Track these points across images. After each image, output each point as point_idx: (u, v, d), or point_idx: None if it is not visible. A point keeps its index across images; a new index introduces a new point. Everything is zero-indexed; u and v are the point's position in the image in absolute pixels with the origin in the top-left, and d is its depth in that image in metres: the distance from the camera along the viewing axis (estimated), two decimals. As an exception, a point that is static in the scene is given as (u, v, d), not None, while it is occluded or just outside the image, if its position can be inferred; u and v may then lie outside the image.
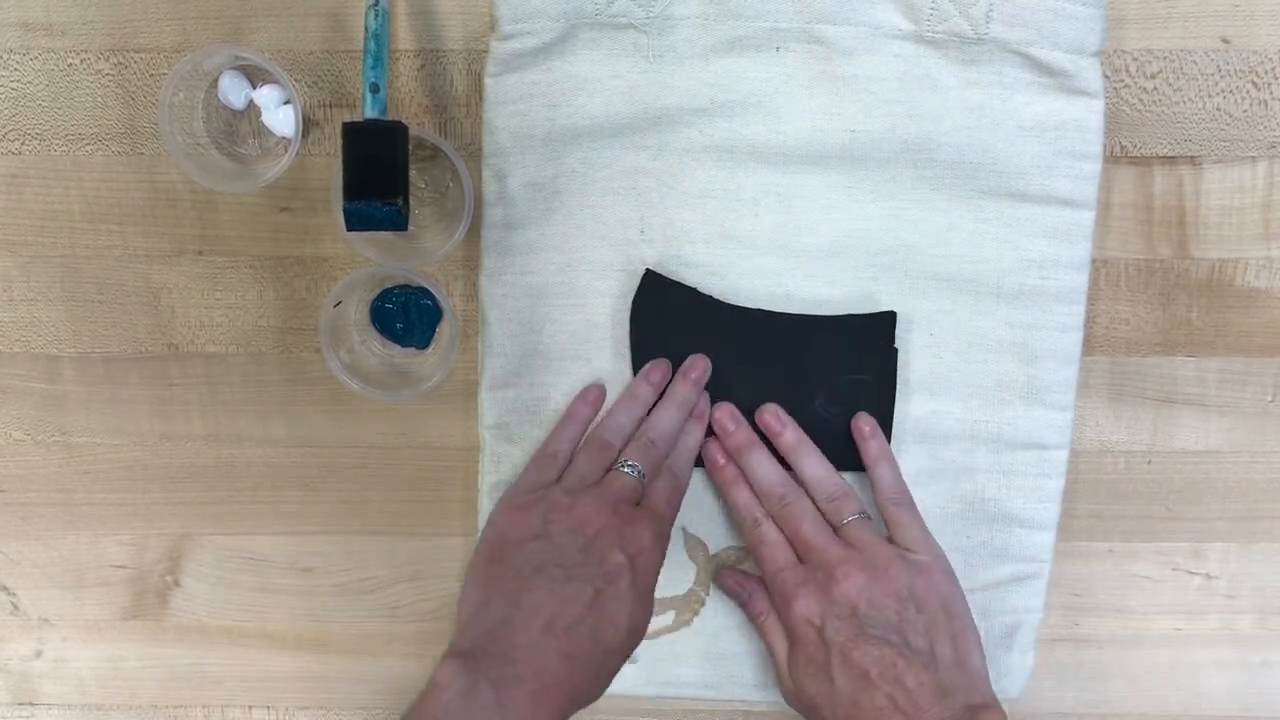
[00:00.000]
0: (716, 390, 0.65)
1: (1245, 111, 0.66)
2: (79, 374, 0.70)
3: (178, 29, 0.66)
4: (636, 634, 0.59)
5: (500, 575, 0.58)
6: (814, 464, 0.64)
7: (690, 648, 0.68)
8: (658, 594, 0.61)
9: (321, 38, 0.66)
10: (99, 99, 0.67)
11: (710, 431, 0.65)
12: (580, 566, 0.58)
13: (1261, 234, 0.67)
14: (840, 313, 0.65)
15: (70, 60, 0.66)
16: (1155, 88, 0.66)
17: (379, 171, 0.59)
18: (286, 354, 0.69)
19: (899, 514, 0.63)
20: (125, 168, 0.67)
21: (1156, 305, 0.68)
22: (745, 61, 0.63)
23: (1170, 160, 0.66)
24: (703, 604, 0.68)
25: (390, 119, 0.60)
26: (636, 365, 0.65)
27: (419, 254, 0.67)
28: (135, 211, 0.68)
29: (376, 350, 0.69)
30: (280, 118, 0.65)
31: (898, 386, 0.65)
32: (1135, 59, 0.65)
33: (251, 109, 0.66)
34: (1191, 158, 0.66)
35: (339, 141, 0.59)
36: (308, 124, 0.67)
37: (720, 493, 0.66)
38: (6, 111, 0.67)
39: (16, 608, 0.72)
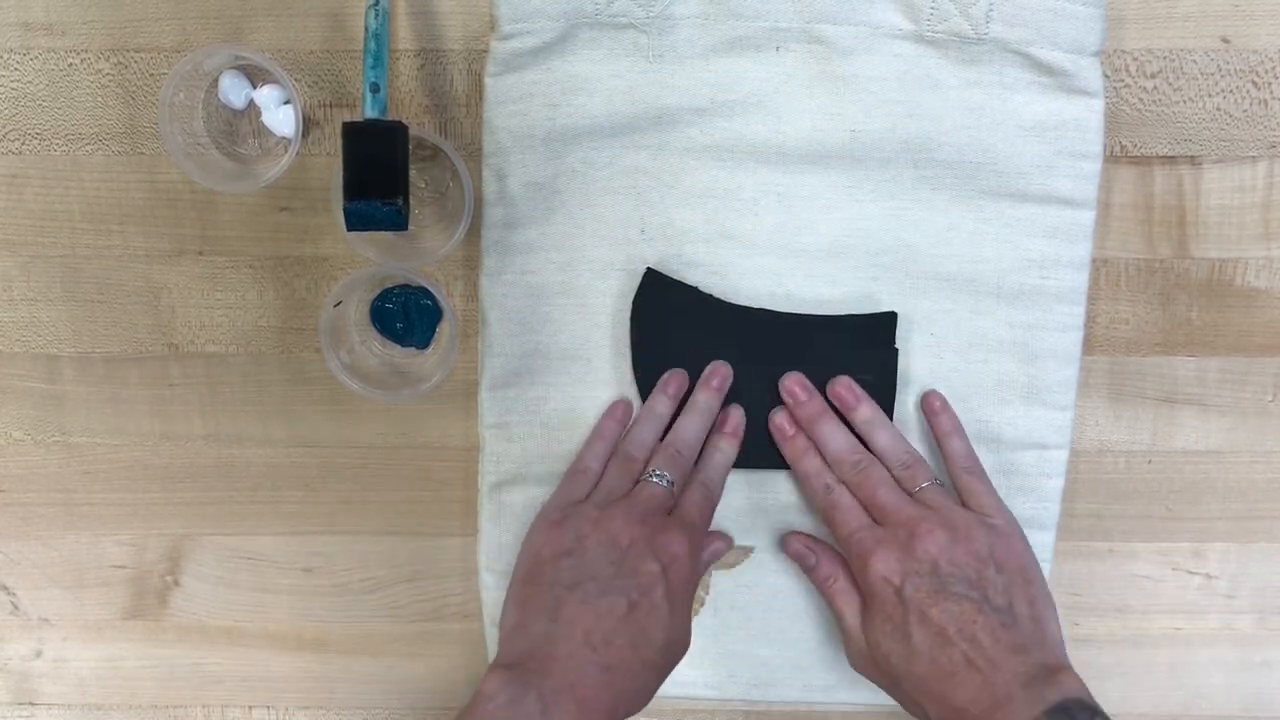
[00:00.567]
0: (717, 390, 0.65)
1: (1245, 111, 0.66)
2: (79, 374, 0.70)
3: (178, 29, 0.66)
4: (674, 646, 0.60)
5: (536, 593, 0.59)
6: (888, 435, 0.64)
7: (691, 647, 0.68)
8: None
9: (321, 37, 0.66)
10: (99, 99, 0.67)
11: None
12: (614, 579, 0.58)
13: (1261, 234, 0.67)
14: (841, 313, 0.65)
15: (70, 60, 0.66)
16: (1155, 87, 0.66)
17: (379, 171, 0.59)
18: (286, 354, 0.69)
19: (973, 482, 0.63)
20: (125, 168, 0.67)
21: (1156, 305, 0.68)
22: (745, 61, 0.63)
23: (1170, 160, 0.66)
24: (703, 604, 0.68)
25: (390, 119, 0.60)
26: (637, 364, 0.65)
27: (419, 254, 0.67)
28: (135, 211, 0.68)
29: (376, 350, 0.69)
30: (280, 118, 0.65)
31: (898, 386, 0.65)
32: (1135, 59, 0.65)
33: (251, 109, 0.66)
34: (1191, 157, 0.66)
35: (339, 141, 0.59)
36: (308, 124, 0.67)
37: (789, 462, 0.65)
38: (6, 111, 0.67)
39: (16, 608, 0.72)
